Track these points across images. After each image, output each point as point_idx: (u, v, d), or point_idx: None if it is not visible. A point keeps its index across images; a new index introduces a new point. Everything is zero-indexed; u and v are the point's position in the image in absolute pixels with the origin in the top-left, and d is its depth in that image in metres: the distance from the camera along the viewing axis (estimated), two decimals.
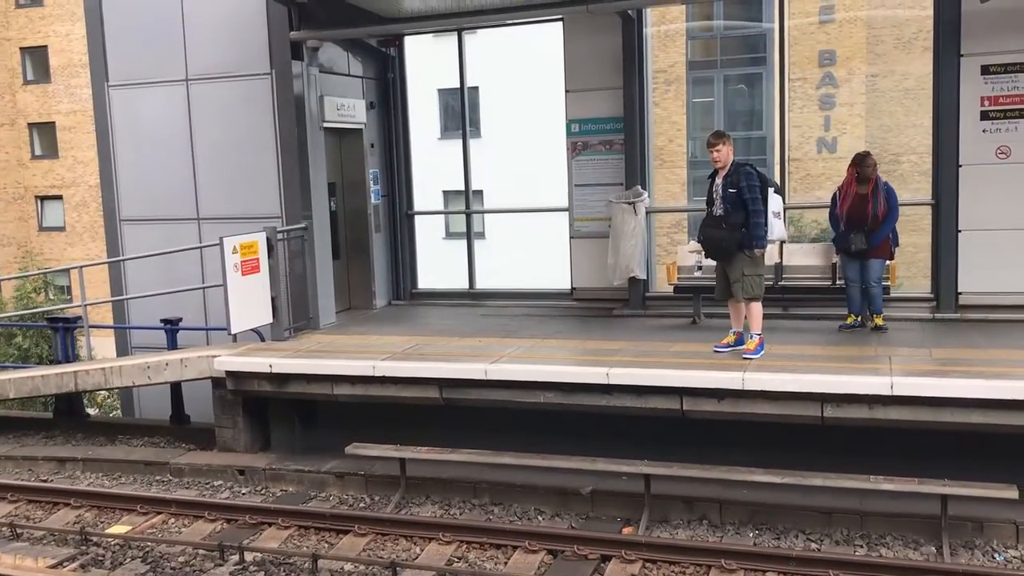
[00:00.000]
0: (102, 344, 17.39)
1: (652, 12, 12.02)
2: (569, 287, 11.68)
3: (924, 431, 7.42)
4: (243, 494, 9.03)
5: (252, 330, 10.08)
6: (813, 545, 7.19)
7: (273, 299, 10.07)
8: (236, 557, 7.33)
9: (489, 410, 8.63)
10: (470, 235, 12.71)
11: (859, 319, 9.37)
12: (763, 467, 7.41)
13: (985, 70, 9.54)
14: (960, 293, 9.80)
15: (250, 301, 9.78)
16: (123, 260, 12.30)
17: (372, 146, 12.21)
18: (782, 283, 10.16)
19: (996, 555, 6.93)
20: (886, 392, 7.30)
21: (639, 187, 10.78)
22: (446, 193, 18.56)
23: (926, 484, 6.97)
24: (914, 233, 11.72)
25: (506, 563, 7.10)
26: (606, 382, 8.08)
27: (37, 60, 35.11)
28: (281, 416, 9.81)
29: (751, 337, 8.41)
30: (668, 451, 7.84)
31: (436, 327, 10.73)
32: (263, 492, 9.06)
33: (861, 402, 7.41)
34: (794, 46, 22.71)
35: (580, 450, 8.03)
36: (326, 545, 7.61)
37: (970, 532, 7.14)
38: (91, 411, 15.33)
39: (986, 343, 8.64)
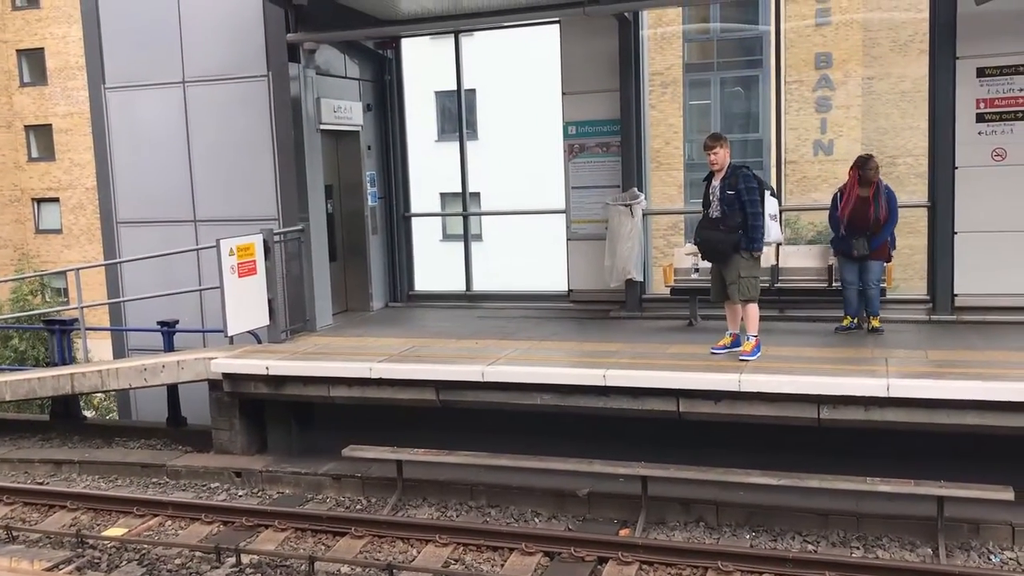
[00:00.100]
0: (99, 346, 17.36)
1: (649, 15, 12.05)
2: (566, 289, 11.69)
3: (920, 433, 7.42)
4: (240, 496, 9.02)
5: (249, 332, 10.07)
6: (810, 547, 7.19)
7: (270, 301, 10.07)
8: (233, 559, 7.32)
9: (486, 412, 8.63)
10: (467, 237, 12.73)
11: (855, 321, 9.38)
12: (760, 469, 7.42)
13: (981, 72, 9.57)
14: (956, 295, 9.81)
15: (247, 303, 9.78)
16: (120, 262, 12.28)
17: (369, 148, 12.21)
18: (778, 285, 10.17)
19: (992, 556, 6.94)
20: (882, 394, 7.31)
21: (636, 189, 10.79)
22: (443, 195, 18.58)
23: (922, 486, 6.98)
24: (910, 235, 11.74)
25: (503, 565, 7.10)
26: (603, 384, 8.08)
27: (34, 62, 35.09)
28: (278, 418, 9.80)
29: (747, 339, 8.42)
30: (665, 453, 7.84)
31: (433, 329, 10.73)
32: (260, 494, 9.06)
33: (857, 404, 7.41)
34: (790, 48, 22.74)
35: (577, 452, 8.03)
36: (323, 547, 7.60)
37: (966, 534, 7.15)
38: (88, 413, 15.31)
39: (982, 345, 8.65)
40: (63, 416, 11.52)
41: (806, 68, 24.21)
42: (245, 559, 7.34)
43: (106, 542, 7.87)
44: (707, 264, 9.06)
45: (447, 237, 20.98)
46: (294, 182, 10.85)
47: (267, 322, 10.09)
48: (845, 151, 23.49)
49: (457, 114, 13.04)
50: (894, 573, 6.52)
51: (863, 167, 9.11)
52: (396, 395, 8.82)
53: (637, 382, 8.01)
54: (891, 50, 23.79)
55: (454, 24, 11.48)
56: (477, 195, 16.77)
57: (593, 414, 8.27)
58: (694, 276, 10.20)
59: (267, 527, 7.93)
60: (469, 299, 12.38)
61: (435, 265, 13.73)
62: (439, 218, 22.17)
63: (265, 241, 10.00)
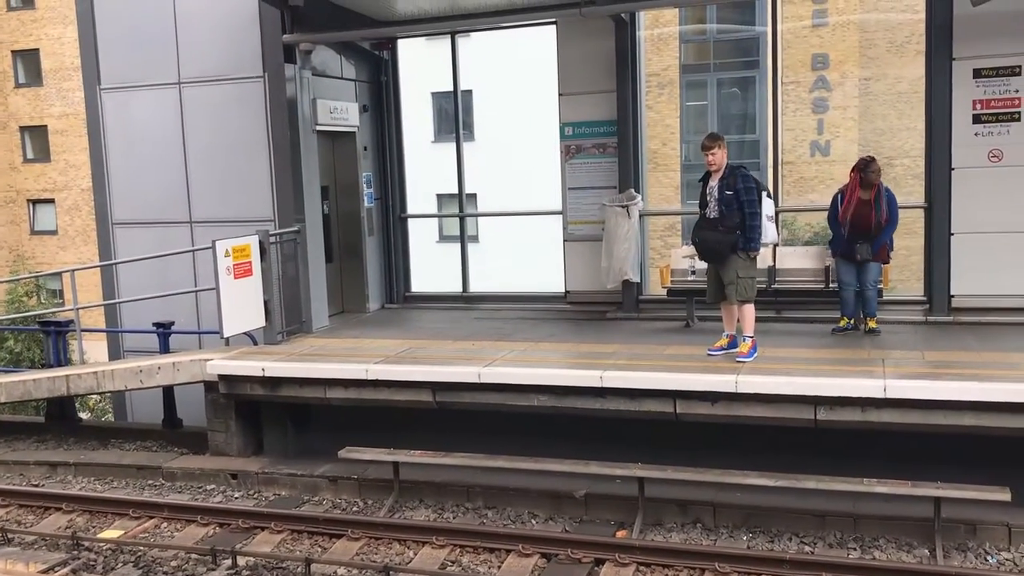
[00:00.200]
0: (94, 348, 17.32)
1: (645, 16, 12.07)
2: (563, 290, 11.67)
3: (917, 434, 7.42)
4: (236, 498, 9.00)
5: (245, 334, 10.06)
6: (807, 548, 7.19)
7: (266, 302, 10.05)
8: (229, 561, 7.30)
9: (482, 413, 8.62)
10: (464, 238, 12.72)
11: (852, 322, 9.38)
12: (757, 470, 7.42)
13: (977, 73, 9.57)
14: (953, 296, 9.81)
15: (243, 304, 9.76)
16: (115, 264, 12.26)
17: (365, 149, 12.19)
18: (775, 286, 10.17)
19: (989, 557, 6.94)
20: (879, 395, 7.31)
21: (632, 190, 10.78)
22: (440, 196, 18.57)
23: (919, 487, 6.98)
24: (907, 236, 11.73)
25: (499, 567, 7.08)
26: (600, 385, 8.08)
27: (29, 63, 35.05)
28: (274, 420, 9.78)
29: (744, 340, 8.42)
30: (662, 454, 7.84)
31: (429, 330, 10.72)
32: (256, 496, 9.04)
33: (854, 405, 7.41)
34: (787, 49, 22.78)
35: (574, 453, 8.02)
36: (319, 549, 7.58)
37: (963, 534, 7.15)
38: (83, 415, 15.28)
39: (979, 346, 8.65)
40: (59, 418, 11.49)
41: (803, 69, 24.25)
42: (241, 561, 7.32)
43: (102, 544, 7.84)
44: (704, 265, 9.06)
45: (443, 238, 20.99)
46: (290, 183, 10.84)
47: (263, 323, 10.07)
48: (842, 152, 23.55)
49: (453, 115, 13.02)
50: (891, 574, 6.52)
51: (865, 170, 9.06)
52: (392, 396, 8.81)
53: (634, 383, 8.00)
54: (888, 51, 23.84)
55: (450, 25, 11.47)
56: (474, 196, 16.74)
57: (590, 415, 8.26)
58: (691, 277, 10.19)
59: (263, 529, 7.91)
60: (466, 300, 12.36)
61: (431, 266, 13.72)
62: (435, 219, 22.17)
63: (261, 242, 9.98)
